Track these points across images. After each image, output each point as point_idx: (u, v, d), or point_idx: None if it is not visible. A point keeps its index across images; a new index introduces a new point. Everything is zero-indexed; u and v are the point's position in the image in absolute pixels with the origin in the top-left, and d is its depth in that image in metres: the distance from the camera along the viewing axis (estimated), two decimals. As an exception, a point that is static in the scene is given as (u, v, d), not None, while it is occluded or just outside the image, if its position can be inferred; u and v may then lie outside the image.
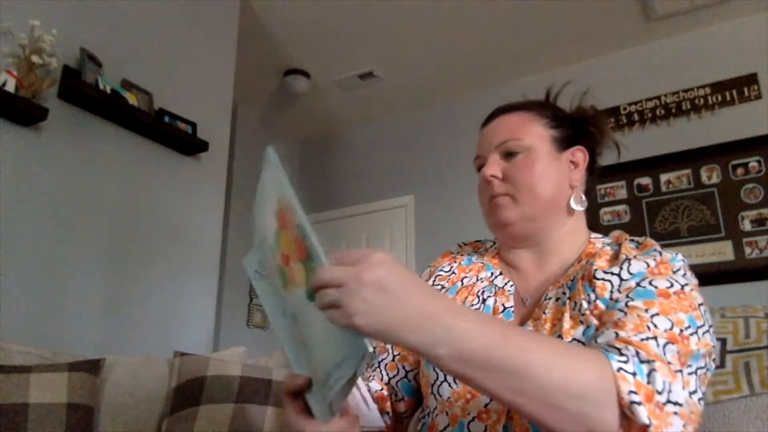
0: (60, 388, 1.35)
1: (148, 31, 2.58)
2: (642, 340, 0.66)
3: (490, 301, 0.88)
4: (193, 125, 2.63)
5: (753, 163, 3.14)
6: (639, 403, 0.60)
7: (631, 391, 0.60)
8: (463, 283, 0.94)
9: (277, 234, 0.68)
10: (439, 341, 0.56)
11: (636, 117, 3.51)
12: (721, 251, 3.10)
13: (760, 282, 2.97)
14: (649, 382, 0.62)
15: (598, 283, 0.78)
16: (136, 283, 2.31)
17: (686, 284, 0.75)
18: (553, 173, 0.89)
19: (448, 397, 0.83)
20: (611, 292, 0.76)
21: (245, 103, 4.27)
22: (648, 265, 0.77)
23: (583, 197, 0.91)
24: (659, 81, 3.49)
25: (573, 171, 0.91)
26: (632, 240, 0.86)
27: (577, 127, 0.95)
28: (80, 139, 2.22)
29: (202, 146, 2.62)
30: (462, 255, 1.01)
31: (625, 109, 3.54)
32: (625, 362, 0.63)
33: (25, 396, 1.29)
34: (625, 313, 0.71)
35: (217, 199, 2.77)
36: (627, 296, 0.74)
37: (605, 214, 3.44)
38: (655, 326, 0.68)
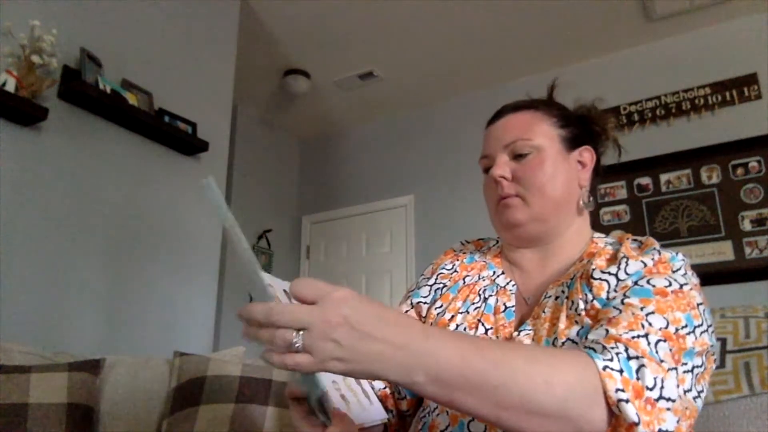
0: (60, 388, 1.35)
1: (148, 31, 2.58)
2: (633, 337, 0.66)
3: (492, 300, 0.88)
4: (193, 125, 2.63)
5: (753, 163, 3.14)
6: (627, 401, 0.59)
7: (618, 389, 0.60)
8: (465, 282, 0.94)
9: None
10: (415, 368, 0.55)
11: (636, 117, 3.51)
12: (721, 251, 3.10)
13: (760, 282, 2.97)
14: (638, 379, 0.62)
15: (596, 282, 0.78)
16: (136, 283, 2.31)
17: (685, 283, 0.75)
18: (562, 173, 0.89)
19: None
20: (608, 291, 0.76)
21: (245, 103, 4.27)
22: (645, 265, 0.77)
23: (591, 197, 0.91)
24: (659, 81, 3.50)
25: (581, 171, 0.91)
26: (635, 239, 0.86)
27: (583, 127, 0.95)
28: (80, 139, 2.22)
29: (202, 146, 2.62)
30: (464, 253, 1.01)
31: (625, 109, 3.54)
32: (611, 360, 0.62)
33: (25, 396, 1.29)
34: (620, 311, 0.71)
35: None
36: (624, 294, 0.73)
37: (605, 214, 3.44)
38: (650, 324, 0.68)
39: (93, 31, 2.33)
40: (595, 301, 0.76)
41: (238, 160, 4.14)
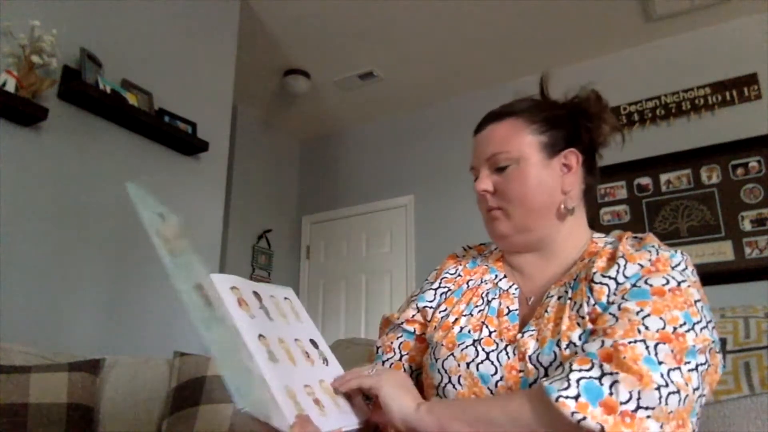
0: (60, 388, 1.35)
1: (148, 31, 2.58)
2: (630, 342, 0.67)
3: (495, 303, 0.89)
4: (193, 125, 2.64)
5: (753, 163, 3.14)
6: (584, 418, 0.63)
7: (573, 413, 0.64)
8: (468, 286, 0.94)
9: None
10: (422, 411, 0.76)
11: (636, 117, 3.51)
12: (721, 251, 3.10)
13: (760, 282, 2.97)
14: (611, 394, 0.64)
15: (596, 287, 0.78)
16: (136, 283, 2.31)
17: (683, 281, 0.75)
18: (544, 182, 0.88)
19: (453, 399, 0.83)
20: (608, 296, 0.77)
21: (245, 103, 4.27)
22: (642, 266, 0.77)
23: (575, 201, 0.90)
24: (659, 81, 3.50)
25: (566, 175, 0.90)
26: (634, 237, 0.86)
27: (570, 127, 0.93)
28: (80, 139, 2.22)
29: (202, 146, 2.63)
30: (467, 258, 1.01)
31: (625, 109, 3.54)
32: (566, 388, 0.65)
33: (25, 396, 1.29)
34: (617, 319, 0.72)
35: (217, 199, 2.77)
36: (622, 297, 0.74)
37: (605, 214, 3.44)
38: (647, 328, 0.69)
39: (93, 31, 2.33)
40: (596, 306, 0.76)
41: (238, 160, 4.14)
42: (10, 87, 1.93)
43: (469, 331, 0.85)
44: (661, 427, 0.64)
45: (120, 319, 2.23)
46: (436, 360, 0.85)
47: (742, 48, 3.30)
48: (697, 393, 0.68)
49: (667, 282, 0.74)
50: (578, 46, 3.62)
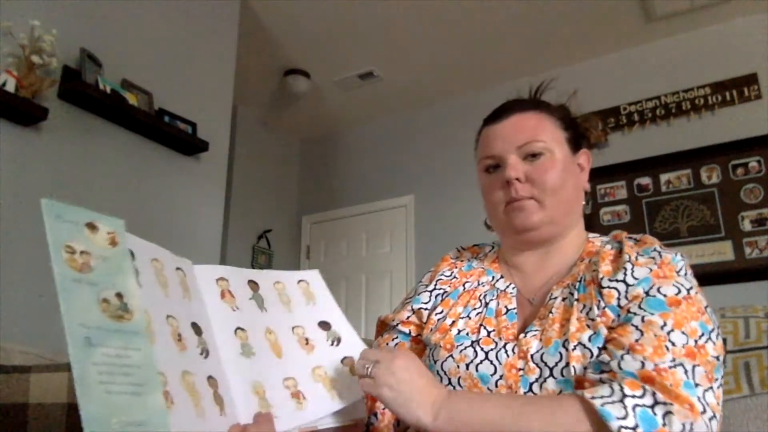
0: (60, 388, 1.35)
1: (148, 31, 2.58)
2: (670, 367, 0.67)
3: (493, 304, 0.88)
4: (193, 125, 2.64)
5: (753, 163, 3.14)
6: None
7: None
8: (464, 288, 0.94)
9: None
10: (436, 413, 0.71)
11: (636, 117, 3.50)
12: (721, 251, 3.10)
13: (760, 282, 2.97)
14: (665, 425, 0.63)
15: (605, 291, 0.78)
16: (136, 283, 2.31)
17: (691, 287, 0.76)
18: (571, 176, 0.89)
19: (477, 398, 0.82)
20: (618, 299, 0.77)
21: (245, 103, 4.27)
22: (651, 270, 0.77)
23: (589, 200, 0.93)
24: (659, 81, 3.49)
25: (581, 174, 0.92)
26: (630, 237, 0.87)
27: (579, 129, 0.96)
28: (80, 139, 2.22)
29: (202, 146, 2.63)
30: (462, 261, 1.01)
31: (625, 109, 3.53)
32: (624, 417, 0.63)
33: (25, 396, 1.29)
34: (642, 333, 0.71)
35: (217, 199, 2.77)
36: (639, 307, 0.74)
37: (605, 214, 3.44)
38: (673, 344, 0.69)
39: (93, 31, 2.33)
40: (607, 309, 0.76)
41: (238, 160, 4.14)
42: (10, 87, 1.93)
43: (467, 333, 0.85)
44: None
45: (120, 319, 2.23)
46: (435, 362, 0.85)
47: (742, 48, 3.30)
48: (721, 406, 0.69)
49: (679, 291, 0.74)
50: (578, 46, 3.62)
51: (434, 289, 0.96)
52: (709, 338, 0.71)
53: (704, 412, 0.65)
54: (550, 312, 0.81)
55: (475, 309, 0.89)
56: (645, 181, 3.39)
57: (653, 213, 3.33)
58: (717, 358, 0.70)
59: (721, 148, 3.22)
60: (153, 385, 0.60)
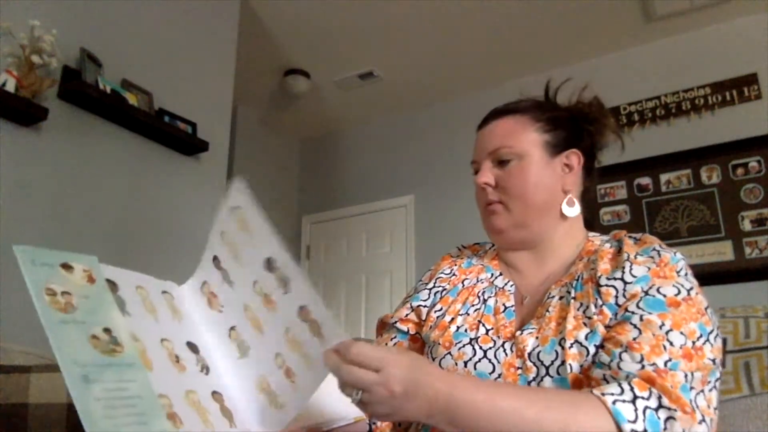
0: (60, 388, 1.35)
1: (148, 31, 2.58)
2: (669, 368, 0.67)
3: (491, 302, 0.89)
4: (193, 125, 2.64)
5: (753, 163, 3.14)
6: None
7: None
8: (464, 285, 0.94)
9: None
10: (437, 417, 0.65)
11: (636, 117, 3.50)
12: (721, 251, 3.10)
13: (760, 282, 2.97)
14: (665, 429, 0.64)
15: (603, 289, 0.78)
16: (136, 283, 2.31)
17: (691, 288, 0.75)
18: (545, 179, 0.89)
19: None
20: (616, 297, 0.77)
21: (245, 103, 4.27)
22: (649, 269, 0.77)
23: (576, 202, 0.91)
24: (659, 81, 3.49)
25: (567, 175, 0.91)
26: (631, 236, 0.87)
27: (573, 128, 0.94)
28: (80, 139, 2.22)
29: (202, 146, 2.63)
30: (462, 258, 1.01)
31: (625, 109, 3.53)
32: (634, 420, 0.63)
33: (25, 396, 1.29)
34: (640, 331, 0.71)
35: (217, 199, 2.77)
36: (638, 306, 0.74)
37: (605, 214, 3.43)
38: (671, 344, 0.69)
39: (93, 31, 2.33)
40: (604, 307, 0.76)
41: (238, 160, 4.14)
42: (10, 87, 1.93)
43: (465, 330, 0.85)
44: None
45: (120, 319, 2.23)
46: (434, 359, 0.85)
47: (742, 48, 3.30)
48: (717, 412, 0.69)
49: (679, 292, 0.74)
50: (578, 46, 3.62)
51: (434, 287, 0.97)
52: (707, 340, 0.71)
53: (702, 420, 0.65)
54: (547, 311, 0.81)
55: (473, 305, 0.89)
56: (645, 181, 3.39)
57: (653, 213, 3.33)
58: (713, 361, 0.70)
59: (721, 148, 3.22)
60: (156, 413, 0.61)
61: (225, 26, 3.00)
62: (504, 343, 0.81)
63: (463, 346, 0.83)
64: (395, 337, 0.96)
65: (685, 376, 0.67)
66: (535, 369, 0.76)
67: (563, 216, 0.90)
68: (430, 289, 0.96)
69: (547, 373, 0.75)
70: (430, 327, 0.90)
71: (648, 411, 0.64)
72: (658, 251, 0.80)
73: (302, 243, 4.64)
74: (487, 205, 0.92)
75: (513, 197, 0.89)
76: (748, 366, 0.96)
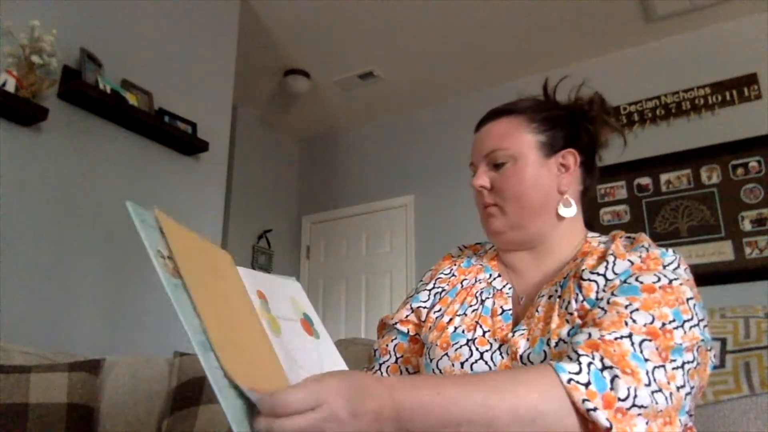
0: (60, 388, 1.35)
1: (148, 31, 2.58)
2: (617, 338, 0.67)
3: (489, 303, 0.89)
4: (193, 125, 2.64)
5: (753, 163, 3.14)
6: (594, 409, 0.62)
7: (584, 399, 0.62)
8: (462, 285, 0.94)
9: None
10: (387, 425, 0.60)
11: (636, 117, 3.51)
12: (721, 251, 3.10)
13: (760, 282, 2.97)
14: (611, 389, 0.63)
15: (585, 283, 0.78)
16: (136, 283, 2.31)
17: (675, 279, 0.74)
18: (540, 181, 0.89)
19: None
20: (597, 292, 0.76)
21: (245, 103, 4.27)
22: (632, 263, 0.77)
23: (572, 202, 0.90)
24: (659, 81, 3.50)
25: (563, 175, 0.90)
26: (627, 237, 0.86)
27: (570, 127, 0.93)
28: (80, 139, 2.23)
29: (202, 146, 2.63)
30: (462, 258, 1.01)
31: (625, 109, 3.54)
32: (578, 372, 0.64)
33: (25, 396, 1.29)
34: (605, 311, 0.72)
35: (217, 199, 2.77)
36: (611, 293, 0.74)
37: (605, 214, 3.44)
38: (634, 321, 0.69)
39: (93, 31, 2.33)
40: (585, 302, 0.76)
41: (238, 160, 4.14)
42: (10, 87, 1.93)
43: (463, 331, 0.85)
44: (647, 423, 0.64)
45: (120, 319, 2.23)
46: (431, 360, 0.85)
47: (742, 48, 3.30)
48: (684, 391, 0.68)
49: (658, 279, 0.74)
50: (578, 46, 3.62)
51: (434, 287, 0.97)
52: (681, 326, 0.70)
53: (648, 384, 0.64)
54: (537, 311, 0.81)
55: (471, 306, 0.89)
56: (645, 181, 3.39)
57: (653, 213, 3.33)
58: (681, 345, 0.69)
59: (721, 148, 3.22)
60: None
61: (225, 26, 3.01)
62: (500, 346, 0.81)
63: (460, 347, 0.83)
64: (395, 339, 0.96)
65: (632, 344, 0.67)
66: None
67: (560, 217, 0.90)
68: (430, 290, 0.97)
69: None
70: (429, 328, 0.90)
71: (592, 367, 0.65)
72: (647, 248, 0.80)
73: (302, 243, 4.64)
74: (484, 208, 0.92)
75: (508, 200, 0.89)
76: (748, 366, 0.96)
